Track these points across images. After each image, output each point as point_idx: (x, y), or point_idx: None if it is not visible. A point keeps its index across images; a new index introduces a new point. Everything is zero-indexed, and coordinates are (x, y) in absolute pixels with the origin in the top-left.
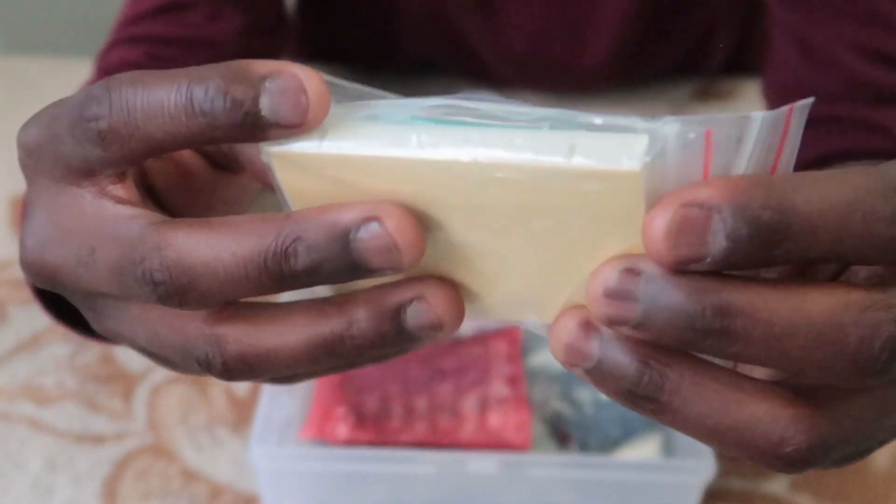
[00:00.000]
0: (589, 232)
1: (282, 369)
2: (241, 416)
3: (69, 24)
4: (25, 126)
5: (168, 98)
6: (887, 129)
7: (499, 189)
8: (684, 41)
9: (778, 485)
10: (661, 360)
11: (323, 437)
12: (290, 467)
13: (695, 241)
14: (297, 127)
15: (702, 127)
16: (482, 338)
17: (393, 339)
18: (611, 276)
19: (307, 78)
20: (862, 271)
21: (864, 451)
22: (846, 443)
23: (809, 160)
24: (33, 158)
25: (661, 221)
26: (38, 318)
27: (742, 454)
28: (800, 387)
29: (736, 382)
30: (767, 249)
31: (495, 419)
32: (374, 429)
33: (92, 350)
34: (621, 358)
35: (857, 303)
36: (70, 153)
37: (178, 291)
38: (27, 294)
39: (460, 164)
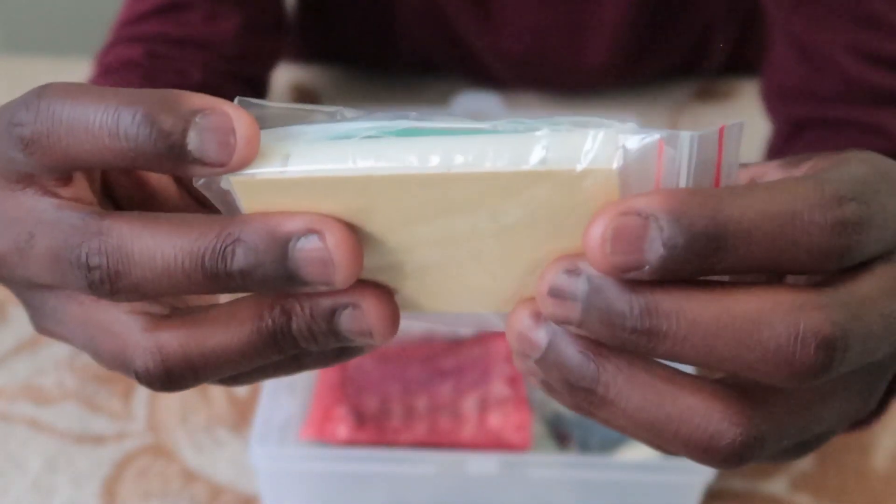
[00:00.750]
0: (554, 230)
1: (228, 368)
2: (241, 416)
3: (69, 24)
4: None
5: (94, 117)
6: (883, 129)
7: (466, 195)
8: (684, 41)
9: (778, 485)
10: (600, 352)
11: (323, 438)
12: (290, 467)
13: (631, 248)
14: (220, 166)
15: (655, 135)
16: (482, 338)
17: (327, 338)
18: (555, 276)
19: (238, 119)
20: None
21: (806, 445)
22: (782, 437)
23: None
24: None
25: (599, 228)
26: None
27: (677, 449)
28: (738, 383)
29: (671, 377)
30: (704, 258)
31: (495, 419)
32: (374, 429)
33: None
34: (565, 348)
35: (786, 303)
36: (2, 154)
37: (112, 278)
38: None
39: (431, 176)
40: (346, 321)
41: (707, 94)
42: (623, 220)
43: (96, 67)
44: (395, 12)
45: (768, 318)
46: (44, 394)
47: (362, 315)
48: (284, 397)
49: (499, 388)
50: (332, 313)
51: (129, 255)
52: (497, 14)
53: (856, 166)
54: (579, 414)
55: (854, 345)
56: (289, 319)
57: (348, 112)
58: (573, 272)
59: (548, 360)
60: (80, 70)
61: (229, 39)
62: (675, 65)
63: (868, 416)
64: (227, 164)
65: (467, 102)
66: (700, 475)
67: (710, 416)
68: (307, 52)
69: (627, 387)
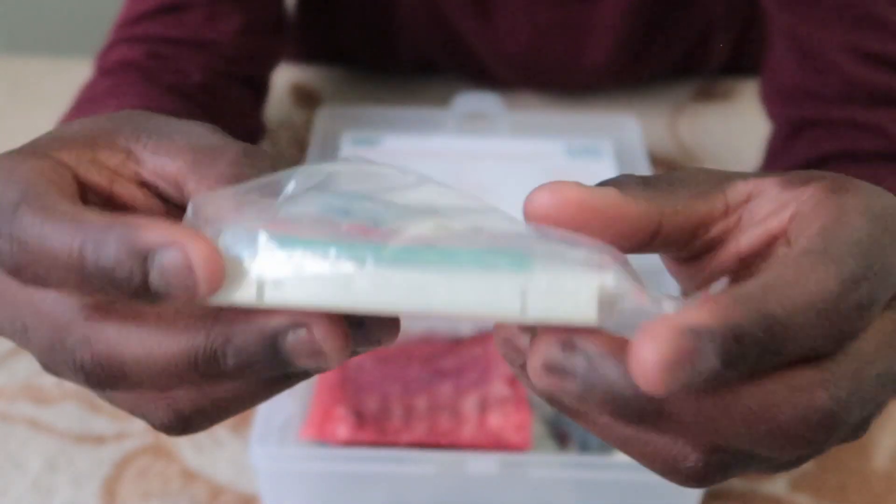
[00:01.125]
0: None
1: (144, 383)
2: (242, 416)
3: (69, 24)
4: None
5: (62, 251)
6: (883, 129)
7: (449, 317)
8: (683, 41)
9: (778, 485)
10: None
11: (323, 438)
12: (290, 467)
13: (688, 368)
14: (188, 299)
15: (644, 300)
16: (482, 338)
17: (269, 364)
18: (549, 351)
19: (196, 252)
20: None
21: (786, 465)
22: (748, 465)
23: (808, 161)
24: None
25: (652, 354)
26: None
27: (646, 465)
28: None
29: None
30: (755, 361)
31: (495, 419)
32: (374, 429)
33: None
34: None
35: (794, 387)
36: None
37: (109, 382)
38: None
39: (415, 311)
40: (293, 342)
41: (707, 94)
42: (678, 342)
43: (96, 68)
44: (395, 12)
45: (775, 406)
46: (44, 394)
47: (310, 337)
48: (284, 397)
49: (499, 388)
50: (275, 336)
51: (120, 363)
52: (497, 14)
53: (857, 224)
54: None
55: (853, 411)
56: (224, 343)
57: (311, 176)
58: (570, 346)
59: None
60: (80, 70)
61: (229, 40)
62: (674, 65)
63: None
64: (195, 297)
65: (467, 102)
66: None
67: (676, 439)
68: (307, 52)
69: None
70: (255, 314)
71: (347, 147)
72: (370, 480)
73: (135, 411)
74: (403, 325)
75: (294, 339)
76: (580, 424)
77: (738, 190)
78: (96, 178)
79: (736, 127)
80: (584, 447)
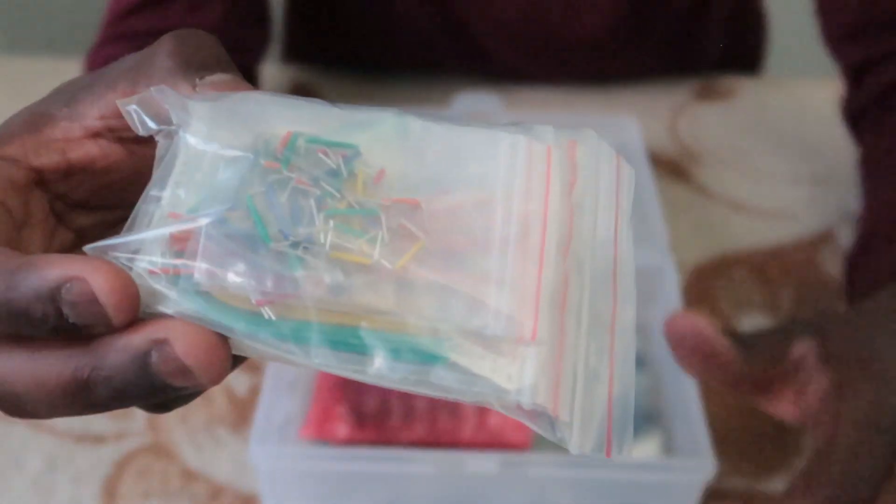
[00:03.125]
0: None
1: (41, 412)
2: (241, 415)
3: (69, 24)
4: None
5: None
6: None
7: None
8: (680, 14)
9: (778, 484)
10: None
11: (323, 437)
12: (290, 467)
13: None
14: (114, 327)
15: None
16: None
17: (145, 390)
18: None
19: (99, 284)
20: None
21: None
22: None
23: (880, 97)
24: None
25: None
26: None
27: None
28: None
29: None
30: None
31: (495, 419)
32: (373, 428)
33: None
34: None
35: None
36: None
37: (14, 412)
38: None
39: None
40: (157, 360)
41: (707, 94)
42: None
43: (87, 68)
44: None
45: None
46: None
47: (172, 351)
48: (284, 397)
49: None
50: (146, 354)
51: (14, 395)
52: None
53: (844, 444)
54: None
55: None
56: (100, 365)
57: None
58: None
59: None
60: (80, 70)
61: (212, 28)
62: (673, 58)
63: None
64: (113, 326)
65: (467, 102)
66: (700, 475)
67: None
68: (307, 52)
69: None
70: (120, 336)
71: None
72: (370, 480)
73: None
74: None
75: (157, 357)
76: None
77: (793, 356)
78: (47, 159)
79: (736, 127)
80: None
